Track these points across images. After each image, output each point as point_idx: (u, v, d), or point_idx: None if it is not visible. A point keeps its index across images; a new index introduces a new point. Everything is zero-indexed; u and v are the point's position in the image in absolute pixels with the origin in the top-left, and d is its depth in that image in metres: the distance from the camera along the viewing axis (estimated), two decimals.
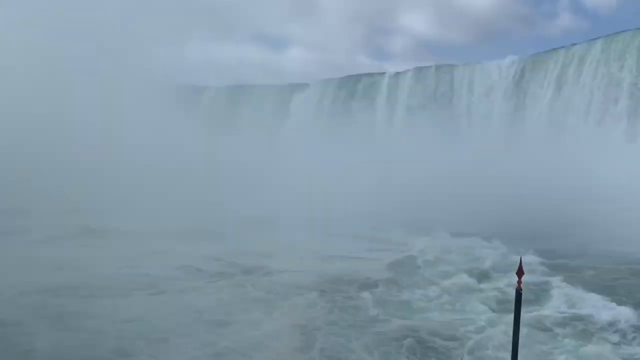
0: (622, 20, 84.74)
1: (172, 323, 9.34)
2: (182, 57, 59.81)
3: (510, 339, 4.40)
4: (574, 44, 41.31)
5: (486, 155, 39.05)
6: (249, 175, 32.75)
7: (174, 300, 10.95)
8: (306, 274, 13.96)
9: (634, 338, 9.37)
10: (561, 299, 11.78)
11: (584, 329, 9.86)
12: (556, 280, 13.44)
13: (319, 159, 40.71)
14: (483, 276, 14.17)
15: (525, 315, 10.41)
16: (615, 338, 9.41)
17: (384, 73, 58.81)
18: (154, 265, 13.81)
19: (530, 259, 17.34)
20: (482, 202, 28.95)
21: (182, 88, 55.41)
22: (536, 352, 8.80)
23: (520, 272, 4.27)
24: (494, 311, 10.86)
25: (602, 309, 10.81)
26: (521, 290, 4.25)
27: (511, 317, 4.38)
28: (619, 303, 11.14)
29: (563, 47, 42.41)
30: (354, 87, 58.51)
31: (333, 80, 61.36)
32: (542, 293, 12.53)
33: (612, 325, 9.99)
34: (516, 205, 27.98)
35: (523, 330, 9.17)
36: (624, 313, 10.37)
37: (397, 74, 56.62)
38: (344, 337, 9.00)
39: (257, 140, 45.74)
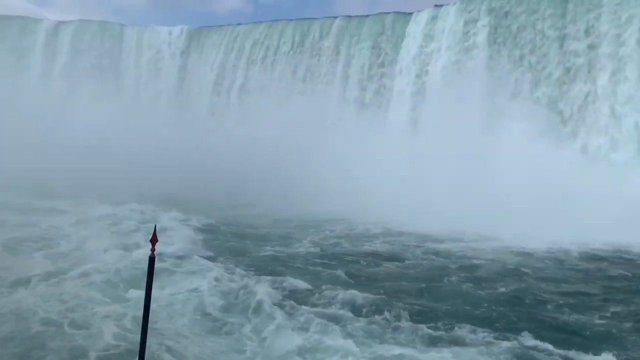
0: (282, 9, 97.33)
1: None
2: None
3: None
4: (239, 24, 44.54)
5: (154, 120, 38.64)
6: None
7: None
8: None
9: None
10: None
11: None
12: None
13: None
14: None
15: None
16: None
17: (42, 20, 52.01)
18: None
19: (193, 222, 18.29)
20: (148, 166, 28.53)
21: None
22: None
23: (154, 240, 4.27)
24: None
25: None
26: (154, 256, 4.26)
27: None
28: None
29: (230, 24, 45.29)
30: None
31: None
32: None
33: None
34: (183, 169, 28.58)
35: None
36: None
37: (59, 23, 50.80)
38: None
39: None
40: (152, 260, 4.24)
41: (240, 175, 27.49)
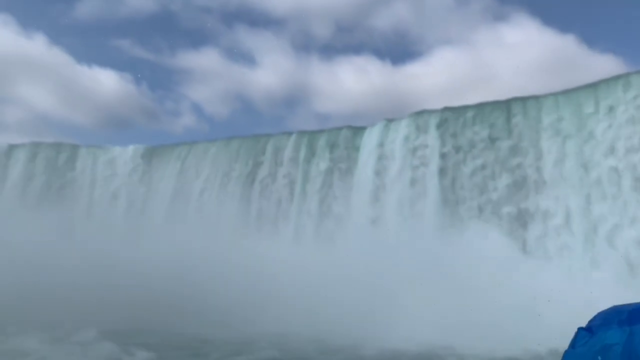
0: (234, 127, 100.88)
1: None
2: None
3: None
4: (195, 142, 45.06)
5: (113, 244, 37.20)
6: None
7: None
8: None
9: None
10: None
11: None
12: None
13: None
14: None
15: None
16: None
17: None
18: None
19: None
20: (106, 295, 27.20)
21: None
22: None
23: None
24: None
25: None
26: None
27: None
28: None
29: (185, 142, 45.73)
30: None
31: None
32: None
33: None
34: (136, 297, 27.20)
35: None
36: None
37: (12, 146, 50.17)
38: None
39: None
40: None
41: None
